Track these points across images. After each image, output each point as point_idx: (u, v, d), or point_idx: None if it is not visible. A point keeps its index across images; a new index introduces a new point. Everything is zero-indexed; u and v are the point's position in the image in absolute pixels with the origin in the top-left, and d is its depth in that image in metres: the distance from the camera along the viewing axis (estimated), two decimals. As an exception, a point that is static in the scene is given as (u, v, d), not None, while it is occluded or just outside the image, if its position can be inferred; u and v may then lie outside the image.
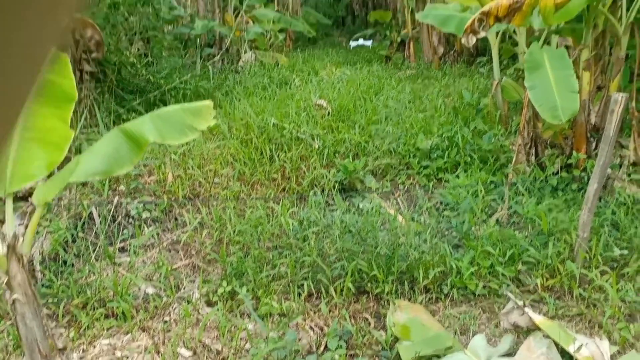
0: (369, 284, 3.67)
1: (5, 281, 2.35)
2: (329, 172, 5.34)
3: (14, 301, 2.41)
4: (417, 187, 5.30)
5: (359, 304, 3.58)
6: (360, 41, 14.68)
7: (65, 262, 4.00)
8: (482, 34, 4.61)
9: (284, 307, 3.50)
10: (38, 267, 3.86)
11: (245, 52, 10.39)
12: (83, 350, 3.21)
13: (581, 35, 5.01)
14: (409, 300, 3.57)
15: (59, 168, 2.68)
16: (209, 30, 9.75)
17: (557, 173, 4.94)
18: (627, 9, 5.01)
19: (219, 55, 9.88)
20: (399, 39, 12.31)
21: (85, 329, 3.35)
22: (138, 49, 8.11)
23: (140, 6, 7.70)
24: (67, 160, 3.09)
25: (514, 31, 6.38)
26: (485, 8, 4.54)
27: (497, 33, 6.71)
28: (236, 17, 10.59)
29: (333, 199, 4.90)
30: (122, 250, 4.37)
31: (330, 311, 3.51)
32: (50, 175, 2.65)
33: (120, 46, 7.33)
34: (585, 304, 3.48)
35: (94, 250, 4.17)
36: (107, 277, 3.83)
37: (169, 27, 9.09)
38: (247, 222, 4.40)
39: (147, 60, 7.85)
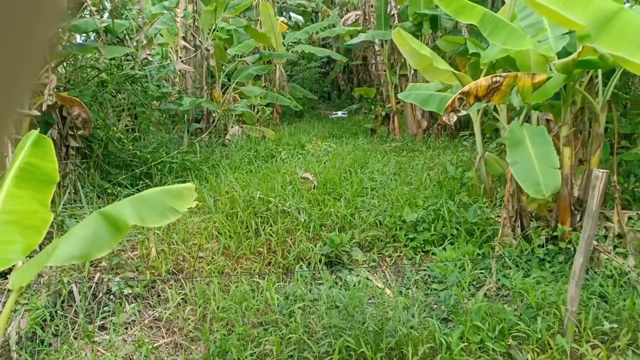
0: (356, 362, 3.56)
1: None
2: (315, 245, 5.30)
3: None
4: (404, 260, 5.26)
5: (346, 384, 3.46)
6: (339, 113, 15.59)
7: (42, 342, 3.86)
8: (462, 113, 4.74)
9: (268, 387, 3.37)
10: (14, 347, 3.72)
11: (232, 126, 10.55)
12: None
13: (560, 110, 5.17)
14: (398, 378, 3.46)
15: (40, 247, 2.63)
16: (197, 106, 9.92)
17: (543, 245, 4.95)
18: (604, 86, 5.20)
19: (206, 131, 10.01)
20: (383, 113, 12.60)
21: (59, 414, 3.18)
22: (125, 125, 8.20)
23: (129, 84, 7.85)
24: (48, 236, 3.05)
25: (494, 108, 6.56)
26: (465, 88, 4.68)
27: (479, 110, 6.90)
28: (224, 93, 10.83)
29: (320, 273, 4.84)
30: (102, 328, 4.23)
31: (316, 391, 3.39)
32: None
33: (107, 122, 7.41)
34: (578, 380, 3.39)
35: (72, 329, 4.03)
36: (85, 357, 3.69)
37: (157, 103, 9.25)
38: (232, 297, 4.31)
39: (134, 135, 7.93)
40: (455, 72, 5.91)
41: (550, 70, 5.01)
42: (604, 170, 3.66)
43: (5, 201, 2.47)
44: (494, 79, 4.65)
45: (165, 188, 2.92)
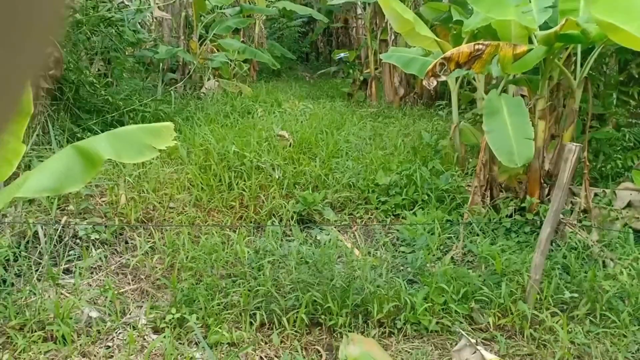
0: (322, 316, 3.61)
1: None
2: (288, 202, 5.29)
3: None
4: (375, 222, 5.30)
5: (311, 336, 3.52)
6: (342, 55, 14.65)
7: (4, 281, 3.79)
8: (442, 78, 4.73)
9: (234, 336, 3.40)
10: (-26, 285, 3.65)
11: (208, 79, 10.35)
12: (17, 375, 3.02)
13: (537, 85, 5.20)
14: (362, 333, 3.52)
15: (6, 184, 2.55)
16: (173, 56, 9.69)
17: (511, 216, 5.04)
18: (581, 65, 5.25)
19: (182, 82, 9.81)
20: (361, 78, 12.51)
21: (21, 351, 3.16)
22: (98, 69, 7.96)
23: (104, 27, 7.59)
24: (15, 177, 2.96)
25: (474, 78, 6.57)
26: (447, 54, 4.66)
27: (457, 78, 6.90)
28: (201, 44, 10.58)
29: (291, 230, 4.85)
30: (67, 271, 4.18)
31: (282, 342, 3.43)
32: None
33: (80, 65, 7.18)
34: (535, 344, 3.51)
35: (36, 271, 3.97)
36: (48, 299, 3.65)
37: (132, 49, 8.98)
38: (201, 248, 4.29)
39: (107, 80, 7.70)
40: (437, 39, 5.87)
41: (531, 43, 5.02)
42: (577, 144, 3.72)
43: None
44: (476, 47, 4.63)
45: (143, 126, 2.85)
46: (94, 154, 2.46)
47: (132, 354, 3.23)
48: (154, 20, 10.29)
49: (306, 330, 3.56)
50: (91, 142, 2.56)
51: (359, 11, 14.53)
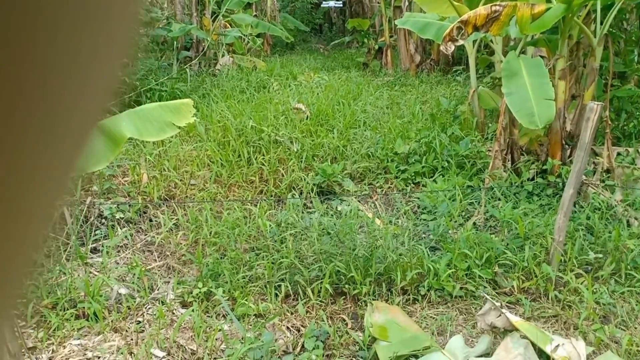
0: (346, 286, 3.64)
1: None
2: (308, 175, 5.31)
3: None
4: (395, 191, 5.30)
5: (336, 305, 3.56)
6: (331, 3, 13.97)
7: (34, 262, 3.89)
8: (460, 42, 4.65)
9: (260, 308, 3.45)
10: (6, 267, 3.75)
11: (222, 55, 10.32)
12: (53, 351, 3.12)
13: (556, 46, 5.09)
14: (387, 301, 3.55)
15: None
16: (186, 34, 9.66)
17: (533, 179, 5.00)
18: (601, 22, 5.12)
19: (196, 59, 9.79)
20: (376, 47, 12.36)
21: (55, 329, 3.25)
22: (114, 50, 7.97)
23: (117, 7, 7.58)
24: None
25: (491, 40, 6.45)
26: (464, 17, 4.58)
27: (474, 42, 6.78)
28: (214, 20, 10.53)
29: (311, 202, 4.88)
30: (95, 251, 4.27)
31: (307, 312, 3.48)
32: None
33: (95, 46, 7.21)
34: (560, 305, 3.50)
35: (65, 251, 4.06)
36: (78, 278, 3.74)
37: (146, 28, 8.97)
38: (224, 223, 4.34)
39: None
40: (454, 2, 5.76)
41: (549, 2, 4.90)
42: (599, 103, 3.65)
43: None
44: (493, 8, 4.54)
45: (163, 103, 2.87)
46: (116, 132, 2.49)
47: (162, 328, 3.30)
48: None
49: (331, 299, 3.60)
50: (113, 121, 2.59)
51: (372, -22, 14.30)
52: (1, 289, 0.27)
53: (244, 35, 11.07)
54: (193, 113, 2.79)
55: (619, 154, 5.36)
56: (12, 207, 0.25)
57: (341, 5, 13.46)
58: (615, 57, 6.97)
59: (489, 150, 5.68)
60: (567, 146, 5.10)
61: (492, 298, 3.48)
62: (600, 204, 4.50)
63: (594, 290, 3.56)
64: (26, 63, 0.22)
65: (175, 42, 9.51)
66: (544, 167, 5.01)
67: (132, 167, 5.19)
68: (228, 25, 10.87)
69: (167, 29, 9.03)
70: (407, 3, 11.32)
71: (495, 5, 4.58)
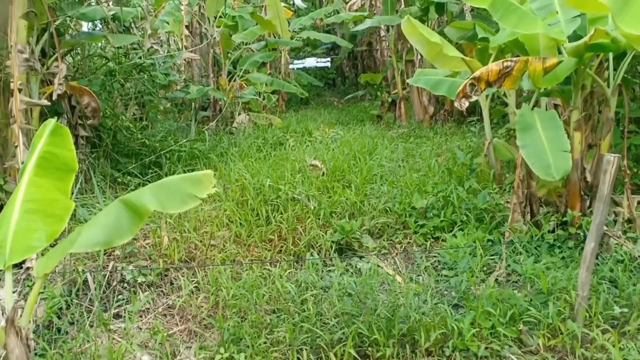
0: (369, 348, 3.60)
1: (3, 355, 2.30)
2: (326, 232, 5.33)
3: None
4: (414, 247, 5.29)
5: (360, 369, 3.51)
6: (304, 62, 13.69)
7: (59, 330, 3.92)
8: (474, 98, 4.72)
9: (283, 374, 3.42)
10: (31, 336, 3.77)
11: (239, 114, 10.56)
12: None
13: (570, 95, 5.15)
14: (411, 364, 3.50)
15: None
16: (204, 95, 9.93)
17: (553, 231, 4.96)
18: (614, 69, 5.17)
19: (214, 121, 10.03)
20: (389, 99, 12.57)
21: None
22: (133, 113, 8.23)
23: (137, 73, 7.86)
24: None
25: (504, 94, 6.53)
26: (477, 74, 4.66)
27: (487, 95, 6.88)
28: (230, 80, 10.82)
29: (331, 260, 4.88)
30: (117, 316, 4.29)
31: (331, 377, 3.43)
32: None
33: (116, 111, 7.44)
34: (589, 365, 3.42)
35: (88, 317, 4.09)
36: (101, 345, 3.75)
37: (165, 91, 9.26)
38: (244, 285, 4.35)
39: (142, 124, 7.96)
40: (465, 58, 5.88)
41: (560, 53, 4.99)
42: (616, 155, 3.65)
43: (27, 189, 2.52)
44: (505, 64, 4.63)
45: (185, 175, 2.96)
46: (140, 206, 2.56)
47: (184, 397, 3.28)
48: (184, 61, 10.58)
49: (354, 363, 3.55)
50: (137, 195, 2.67)
51: (382, 33, 14.65)
52: None
53: (260, 93, 11.35)
54: (214, 184, 2.86)
55: (639, 202, 5.32)
56: None
57: (329, 64, 13.54)
58: (632, 102, 7.00)
59: (508, 202, 5.67)
60: (586, 197, 5.08)
61: (518, 358, 3.41)
62: (622, 255, 4.45)
63: (622, 346, 3.48)
64: None
65: (193, 103, 9.77)
66: (564, 219, 4.98)
67: (153, 230, 5.26)
68: (244, 84, 11.15)
69: (185, 91, 9.30)
70: (418, 56, 11.56)
71: (507, 60, 4.67)
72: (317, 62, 12.92)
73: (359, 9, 15.32)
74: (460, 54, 5.77)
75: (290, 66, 12.79)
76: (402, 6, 11.82)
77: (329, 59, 13.61)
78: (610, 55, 5.19)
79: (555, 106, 5.79)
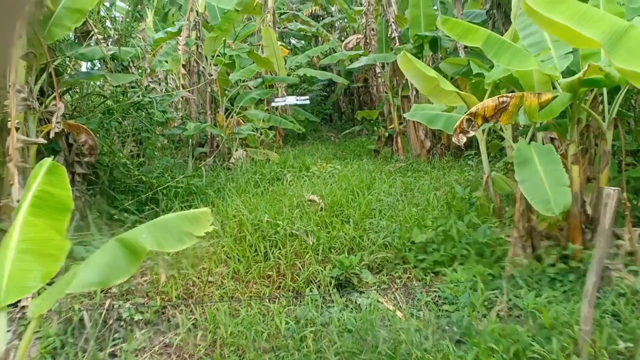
0: (371, 387, 3.52)
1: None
2: (325, 268, 5.28)
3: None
4: (414, 281, 5.23)
5: (362, 409, 3.42)
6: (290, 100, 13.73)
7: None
8: (471, 133, 4.75)
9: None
10: (24, 377, 3.68)
11: (236, 150, 10.59)
12: None
13: (566, 129, 5.18)
14: (414, 402, 3.42)
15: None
16: (201, 131, 9.97)
17: (554, 264, 4.92)
18: (609, 103, 5.23)
19: (212, 157, 10.05)
20: (386, 134, 12.66)
21: None
22: (130, 150, 8.24)
23: (134, 111, 7.90)
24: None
25: (500, 128, 6.58)
26: (473, 109, 4.71)
27: (484, 129, 6.91)
28: (227, 117, 10.89)
29: (330, 296, 4.82)
30: (113, 355, 4.20)
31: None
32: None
33: (113, 148, 7.45)
34: (596, 402, 3.35)
35: (83, 357, 4.00)
36: (96, 386, 3.66)
37: (162, 128, 9.30)
38: (242, 322, 4.28)
39: (139, 160, 7.95)
40: (460, 92, 5.94)
41: (555, 88, 5.05)
42: (616, 188, 3.65)
43: (22, 229, 2.49)
44: (500, 100, 4.67)
45: (181, 213, 2.93)
46: (136, 245, 2.53)
47: None
48: (181, 98, 10.67)
49: (356, 402, 3.47)
50: (134, 234, 2.64)
51: (378, 70, 14.84)
52: None
53: (257, 128, 11.41)
54: (211, 222, 2.84)
55: (640, 235, 5.29)
56: None
57: (308, 101, 13.65)
58: (627, 135, 7.05)
59: (508, 236, 5.63)
60: (587, 230, 5.06)
61: (523, 395, 3.34)
62: (624, 289, 4.40)
63: (630, 383, 3.41)
64: None
65: (190, 140, 9.80)
66: (565, 252, 4.95)
67: (151, 268, 5.20)
68: (241, 121, 11.22)
69: (182, 128, 9.34)
70: (414, 92, 11.69)
71: (503, 96, 4.72)
72: (297, 100, 13.06)
73: (355, 47, 15.57)
74: (455, 88, 5.83)
75: (273, 104, 13.09)
76: (397, 44, 12.02)
77: (307, 97, 13.81)
78: (605, 90, 5.25)
79: (552, 140, 5.83)
